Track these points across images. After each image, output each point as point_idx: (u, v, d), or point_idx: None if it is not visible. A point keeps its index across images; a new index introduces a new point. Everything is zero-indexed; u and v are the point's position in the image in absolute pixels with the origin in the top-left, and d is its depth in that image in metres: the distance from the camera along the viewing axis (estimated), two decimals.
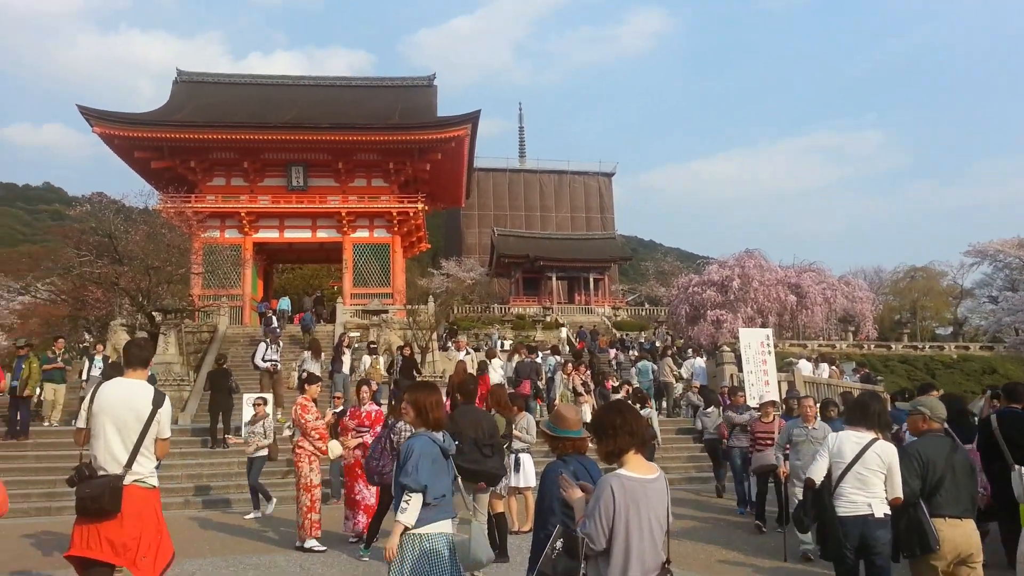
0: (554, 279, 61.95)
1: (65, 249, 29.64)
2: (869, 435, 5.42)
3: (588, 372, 17.72)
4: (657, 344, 34.65)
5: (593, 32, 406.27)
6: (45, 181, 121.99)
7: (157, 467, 5.12)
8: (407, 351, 17.22)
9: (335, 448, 9.50)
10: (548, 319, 51.12)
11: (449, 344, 28.13)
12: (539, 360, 18.61)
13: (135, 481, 4.87)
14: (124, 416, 4.86)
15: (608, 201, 79.20)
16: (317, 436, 9.23)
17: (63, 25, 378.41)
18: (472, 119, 36.94)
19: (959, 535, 5.23)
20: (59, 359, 17.41)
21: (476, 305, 55.16)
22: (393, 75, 48.16)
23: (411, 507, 4.41)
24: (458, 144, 37.54)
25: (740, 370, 18.25)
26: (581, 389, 16.44)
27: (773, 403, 11.16)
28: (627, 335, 40.67)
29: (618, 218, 78.74)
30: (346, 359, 18.19)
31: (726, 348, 19.61)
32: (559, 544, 3.54)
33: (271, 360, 17.73)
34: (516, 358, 18.20)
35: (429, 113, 40.10)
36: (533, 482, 10.09)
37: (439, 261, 64.95)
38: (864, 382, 22.33)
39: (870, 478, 5.30)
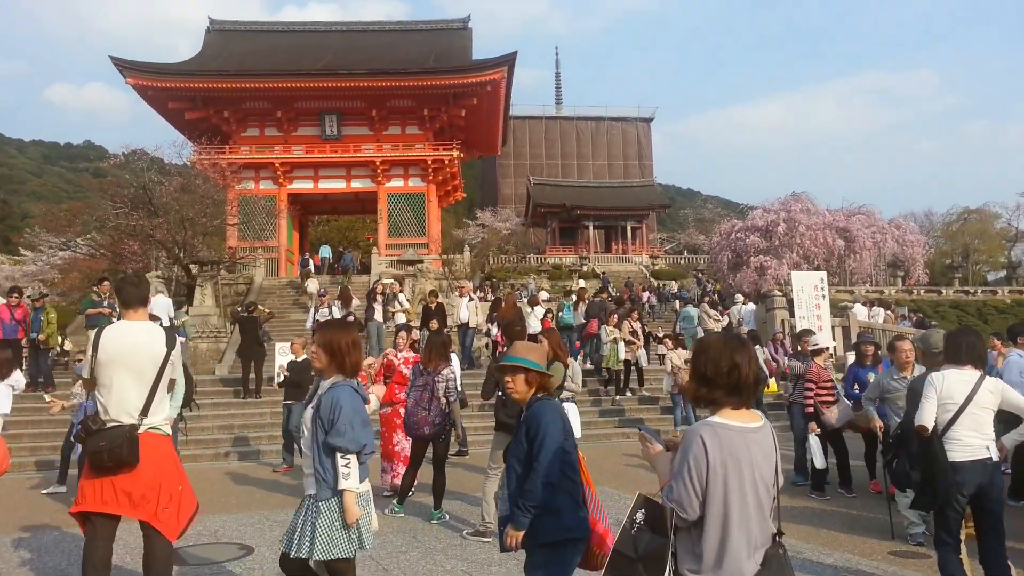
0: (591, 228, 61.10)
1: (101, 202, 29.61)
2: (975, 372, 5.00)
3: (639, 320, 16.92)
4: (692, 291, 33.86)
5: None
6: (86, 139, 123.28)
7: (182, 420, 4.63)
8: (432, 300, 16.50)
9: (374, 399, 8.91)
10: (585, 268, 50.50)
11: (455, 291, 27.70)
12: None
13: (150, 428, 4.44)
14: (138, 362, 4.40)
15: (647, 148, 77.41)
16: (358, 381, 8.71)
17: None
18: (508, 61, 35.84)
19: None
20: (105, 303, 16.70)
21: (512, 255, 54.72)
22: (427, 19, 46.90)
23: (352, 470, 3.86)
24: (494, 88, 36.51)
25: (792, 315, 17.44)
26: (631, 338, 15.77)
27: (826, 349, 10.04)
28: (663, 284, 39.87)
29: (656, 166, 77.08)
30: (378, 307, 17.42)
31: (777, 293, 18.74)
32: (640, 515, 2.86)
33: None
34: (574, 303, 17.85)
35: (464, 57, 39.02)
36: (579, 433, 9.56)
37: (475, 212, 64.36)
38: (918, 327, 21.34)
39: (984, 418, 4.91)
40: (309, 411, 4.04)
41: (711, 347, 2.81)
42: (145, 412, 4.39)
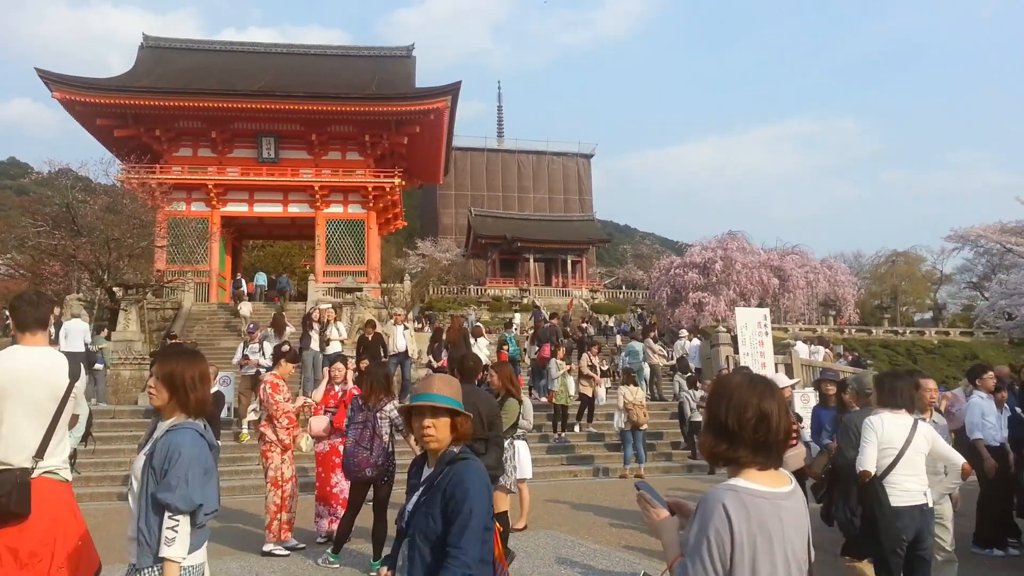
0: (531, 261, 61.16)
1: (22, 219, 28.10)
2: (909, 417, 5.09)
3: (599, 353, 16.25)
4: (633, 326, 33.86)
5: (573, 15, 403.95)
6: (10, 156, 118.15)
7: (73, 456, 3.97)
8: (369, 331, 15.67)
9: (305, 442, 8.22)
10: (525, 301, 50.29)
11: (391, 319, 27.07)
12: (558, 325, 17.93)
13: (45, 473, 3.74)
14: (35, 394, 3.72)
15: (587, 183, 78.32)
16: (286, 423, 7.83)
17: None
18: (453, 90, 35.58)
19: None
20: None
21: (452, 286, 54.17)
22: (370, 44, 46.46)
23: (180, 535, 3.04)
24: (437, 117, 36.17)
25: (736, 352, 17.34)
26: (589, 372, 15.15)
27: (789, 387, 9.75)
28: (602, 318, 40.02)
29: (595, 201, 77.94)
30: (315, 335, 16.21)
31: (722, 328, 18.67)
32: None
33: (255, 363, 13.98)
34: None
35: (408, 84, 38.61)
36: (529, 473, 9.03)
37: (414, 241, 63.73)
38: (854, 366, 21.58)
39: (919, 463, 4.98)
40: (141, 458, 3.24)
41: (733, 392, 2.26)
42: (40, 454, 3.71)
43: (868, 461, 4.94)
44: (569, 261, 62.08)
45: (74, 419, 3.99)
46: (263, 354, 13.62)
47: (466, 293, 53.33)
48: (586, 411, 15.44)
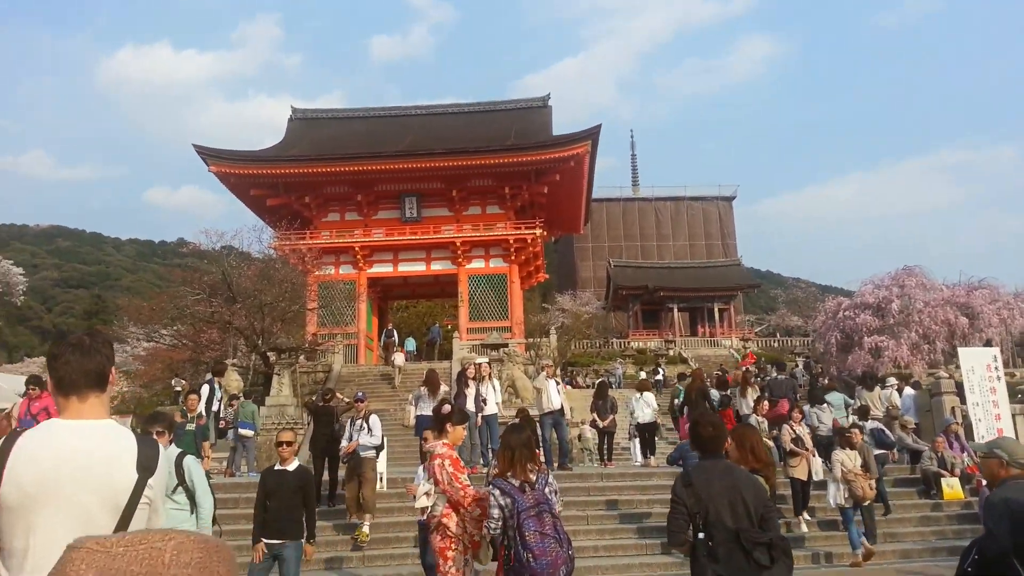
0: (675, 310, 58.73)
1: (182, 289, 29.05)
2: None
3: (802, 419, 12.42)
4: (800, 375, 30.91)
5: (699, 63, 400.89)
6: (179, 237, 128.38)
7: None
8: (332, 397, 13.65)
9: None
10: (671, 352, 47.88)
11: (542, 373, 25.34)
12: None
13: None
14: (81, 499, 2.15)
15: (729, 227, 74.99)
16: (478, 512, 5.77)
17: (196, 94, 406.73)
18: (592, 135, 34.54)
19: None
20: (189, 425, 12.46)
21: (594, 340, 52.48)
22: (506, 99, 46.46)
23: None
24: (577, 163, 35.14)
25: (963, 402, 14.56)
26: (794, 447, 11.69)
27: None
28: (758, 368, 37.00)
29: (737, 247, 74.29)
30: (471, 393, 14.16)
31: (943, 374, 15.89)
32: None
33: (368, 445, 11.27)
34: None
35: (545, 133, 37.97)
36: None
37: (553, 297, 62.64)
38: None
39: None
40: None
41: None
42: None
43: None
44: (716, 309, 59.21)
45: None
46: (369, 431, 11.22)
47: (609, 347, 51.59)
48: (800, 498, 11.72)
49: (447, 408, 7.10)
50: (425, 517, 6.91)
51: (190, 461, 5.75)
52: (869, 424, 14.56)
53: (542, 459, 6.91)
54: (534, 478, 5.18)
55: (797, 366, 37.69)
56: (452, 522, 5.98)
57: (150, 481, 2.24)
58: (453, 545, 5.93)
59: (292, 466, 7.18)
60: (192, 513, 5.72)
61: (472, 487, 6.01)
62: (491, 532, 5.23)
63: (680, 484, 4.43)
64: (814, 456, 11.77)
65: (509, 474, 5.23)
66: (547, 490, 5.21)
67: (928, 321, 33.87)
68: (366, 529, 10.61)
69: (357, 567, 10.19)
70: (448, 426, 6.38)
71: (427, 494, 6.67)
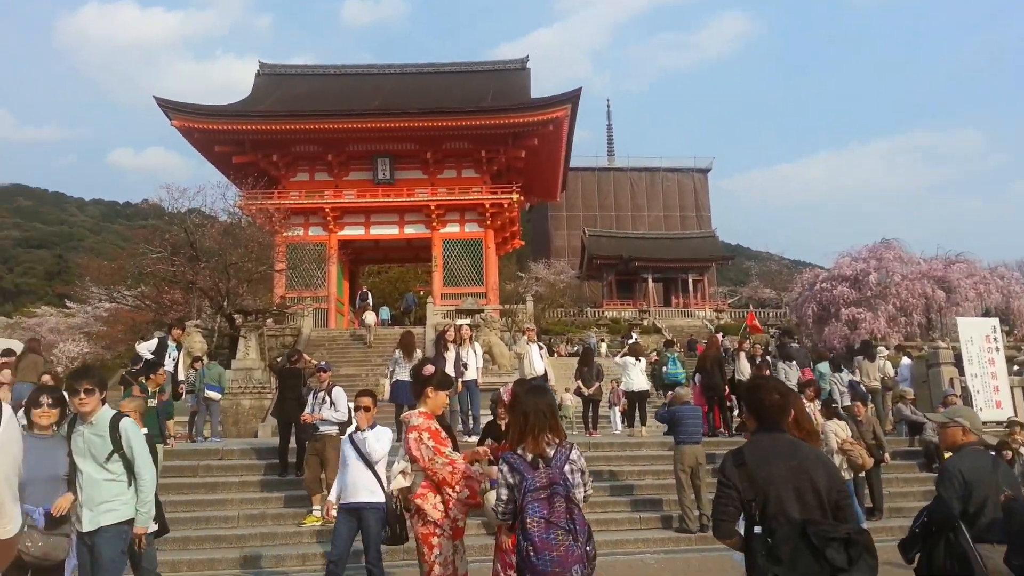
0: (649, 281, 58.61)
1: (141, 247, 27.83)
2: None
3: (816, 399, 10.71)
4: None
5: (674, 38, 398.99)
6: (144, 199, 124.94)
7: None
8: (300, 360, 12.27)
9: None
10: (645, 323, 47.58)
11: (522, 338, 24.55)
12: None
13: None
14: None
15: (704, 199, 74.75)
16: (466, 494, 4.97)
17: (163, 55, 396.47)
18: (573, 98, 33.56)
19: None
20: (172, 355, 12.42)
21: (568, 309, 52.03)
22: (483, 60, 45.16)
23: None
24: (556, 128, 34.17)
25: (961, 373, 14.09)
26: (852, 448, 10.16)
27: None
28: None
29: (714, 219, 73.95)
30: (450, 357, 13.04)
31: (942, 344, 15.39)
32: None
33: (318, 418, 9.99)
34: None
35: (523, 96, 36.85)
36: None
37: (527, 264, 61.96)
38: None
39: None
40: None
41: None
42: None
43: None
44: (690, 280, 59.16)
45: None
46: (332, 406, 9.96)
47: (583, 316, 51.20)
48: None
49: (429, 369, 5.57)
50: (395, 499, 5.89)
51: (127, 423, 4.80)
52: (845, 376, 14.19)
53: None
54: (551, 452, 4.18)
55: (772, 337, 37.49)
56: (428, 504, 5.00)
57: None
58: (438, 533, 4.97)
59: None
60: (130, 486, 4.80)
61: (461, 461, 5.08)
62: (500, 519, 4.32)
63: (730, 463, 3.51)
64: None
65: (522, 446, 4.22)
66: (566, 468, 4.15)
67: (905, 294, 33.78)
68: (317, 513, 9.42)
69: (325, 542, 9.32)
70: (428, 390, 5.35)
71: (403, 472, 5.62)
